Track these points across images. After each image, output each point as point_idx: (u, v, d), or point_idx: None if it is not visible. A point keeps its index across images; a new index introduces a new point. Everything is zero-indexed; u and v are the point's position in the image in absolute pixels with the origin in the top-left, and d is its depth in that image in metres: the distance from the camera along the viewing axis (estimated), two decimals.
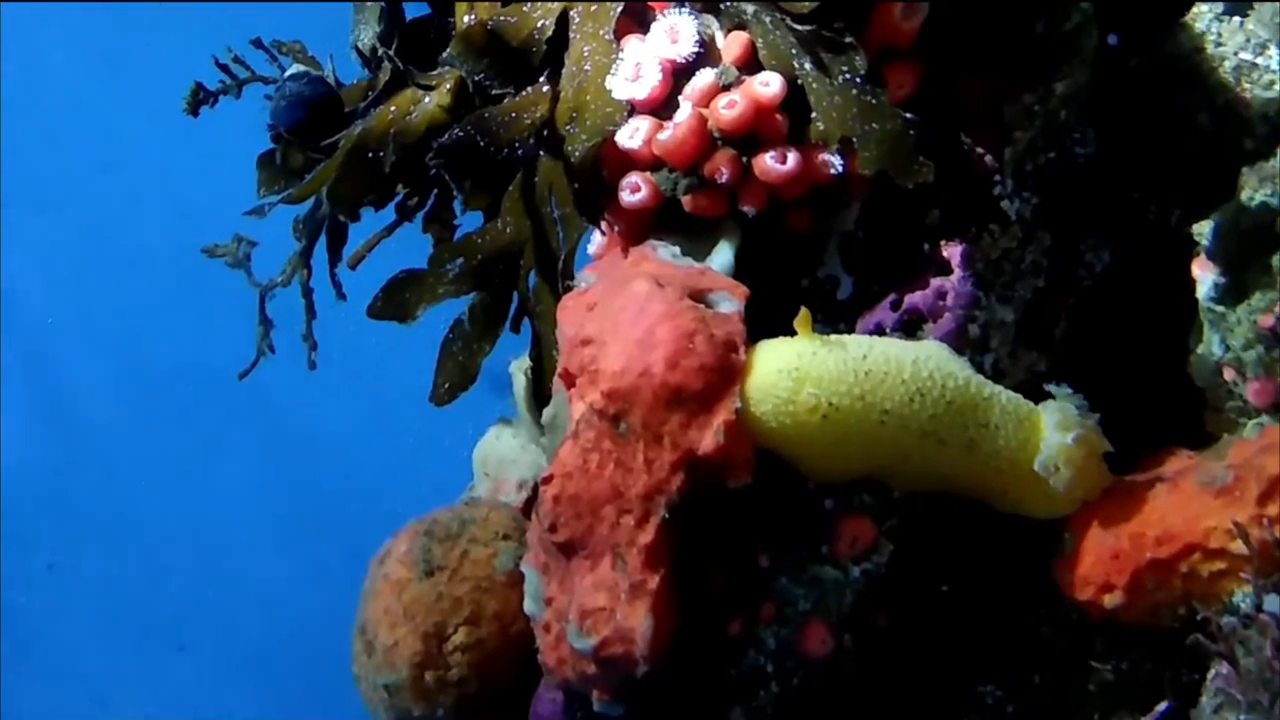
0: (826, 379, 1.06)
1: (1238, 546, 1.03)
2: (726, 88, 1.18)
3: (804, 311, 1.06)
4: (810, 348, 1.07)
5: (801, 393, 1.05)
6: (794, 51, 1.16)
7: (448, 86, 1.30)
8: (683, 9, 1.21)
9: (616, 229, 1.28)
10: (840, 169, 1.16)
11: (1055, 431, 1.07)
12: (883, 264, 1.22)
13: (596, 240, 1.37)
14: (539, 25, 1.25)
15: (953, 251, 1.20)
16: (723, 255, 1.22)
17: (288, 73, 1.39)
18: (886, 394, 1.06)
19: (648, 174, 1.21)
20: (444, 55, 1.26)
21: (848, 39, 1.14)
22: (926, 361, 1.07)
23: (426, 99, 1.30)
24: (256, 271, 1.43)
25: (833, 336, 1.08)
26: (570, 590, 1.11)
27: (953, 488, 1.11)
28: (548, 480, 1.10)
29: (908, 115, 1.14)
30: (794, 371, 1.06)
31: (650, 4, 1.24)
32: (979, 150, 1.22)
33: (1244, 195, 1.16)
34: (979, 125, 1.22)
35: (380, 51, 1.36)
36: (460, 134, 1.23)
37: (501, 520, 1.35)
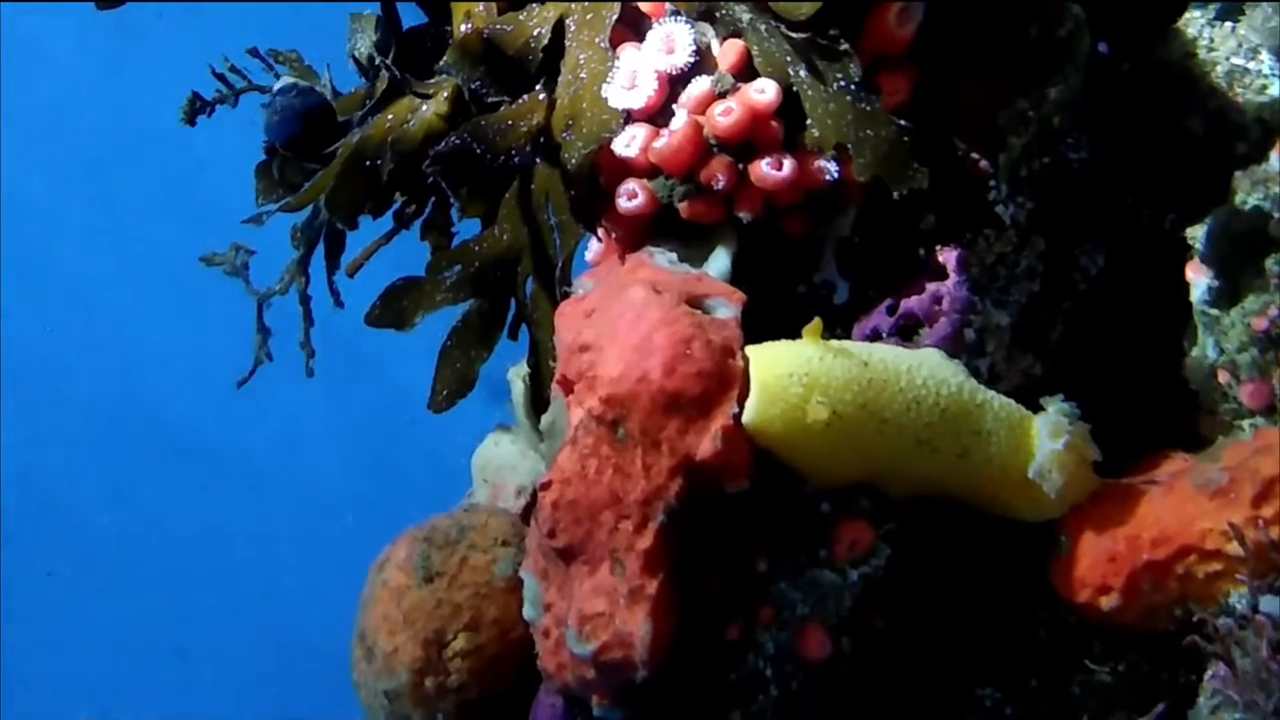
0: (834, 386, 1.06)
1: (1233, 548, 1.03)
2: (722, 95, 1.18)
3: (816, 321, 1.07)
4: (818, 353, 1.07)
5: (812, 399, 1.06)
6: (789, 59, 1.17)
7: (445, 95, 1.31)
8: (678, 17, 1.22)
9: (613, 236, 1.29)
10: (835, 175, 1.17)
11: (1047, 439, 1.08)
12: (879, 269, 1.23)
13: (594, 247, 1.37)
14: (535, 33, 1.25)
15: (948, 256, 1.20)
16: (719, 261, 1.22)
17: (277, 86, 1.39)
18: (886, 402, 1.06)
19: (644, 181, 1.21)
20: (441, 64, 1.27)
21: (843, 46, 1.14)
22: (920, 369, 1.08)
23: (424, 107, 1.31)
24: (254, 280, 1.43)
25: (834, 343, 1.09)
26: (569, 596, 1.11)
27: (945, 493, 1.12)
28: (546, 486, 1.10)
29: (902, 122, 1.14)
30: (805, 377, 1.06)
31: (646, 12, 1.25)
32: (974, 155, 1.22)
33: (1237, 199, 1.17)
34: (973, 131, 1.23)
35: (377, 60, 1.36)
36: (457, 141, 1.23)
37: (500, 526, 1.35)
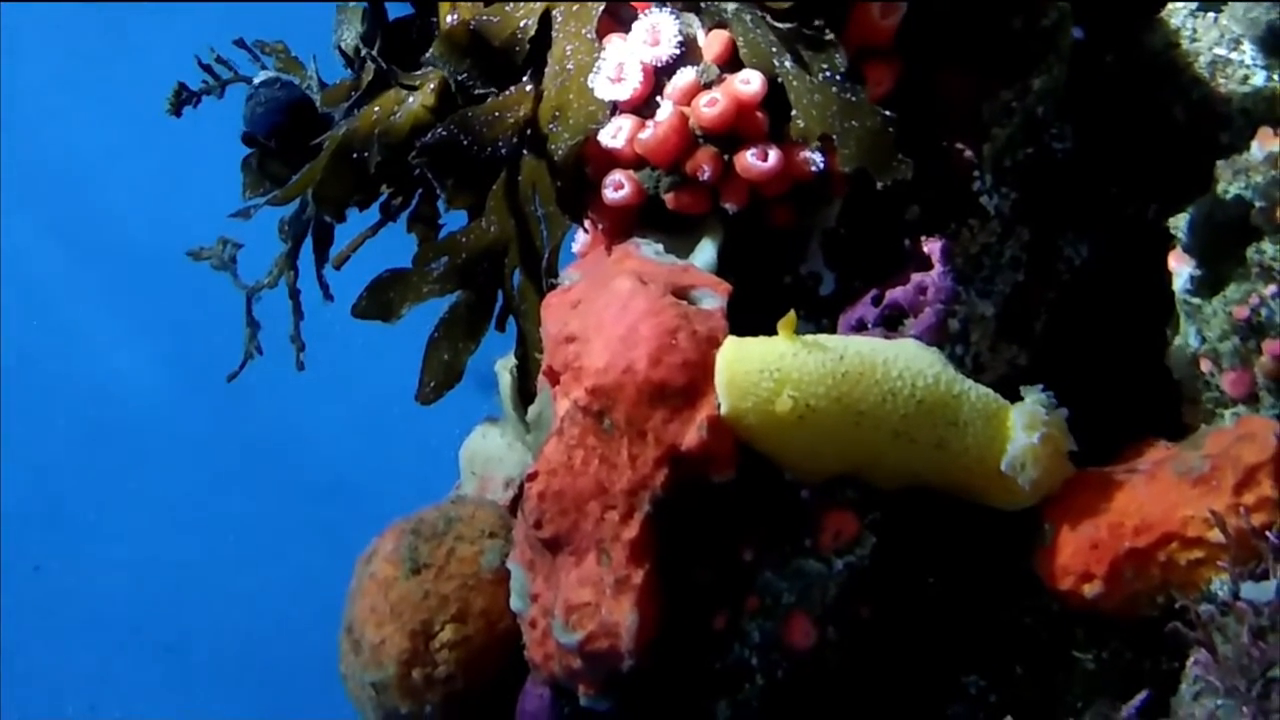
0: (806, 380, 1.06)
1: (1215, 535, 1.04)
2: (708, 86, 1.19)
3: (790, 315, 1.07)
4: (791, 348, 1.07)
5: (782, 393, 1.06)
6: (774, 49, 1.17)
7: (431, 86, 1.31)
8: (664, 8, 1.22)
9: (600, 227, 1.29)
10: (821, 166, 1.17)
11: (1022, 431, 1.08)
12: (864, 260, 1.23)
13: (580, 238, 1.37)
14: (521, 25, 1.25)
15: (933, 247, 1.20)
16: (705, 252, 1.23)
17: (257, 80, 1.39)
18: (861, 395, 1.07)
19: (631, 172, 1.22)
20: (427, 55, 1.27)
21: (828, 36, 1.15)
22: (896, 360, 1.08)
23: (410, 99, 1.31)
24: (242, 274, 1.43)
25: (809, 337, 1.09)
26: (556, 586, 1.11)
27: (924, 483, 1.12)
28: (533, 477, 1.11)
29: (886, 113, 1.15)
30: (775, 372, 1.07)
31: (632, 3, 1.25)
32: (958, 146, 1.23)
33: (1219, 188, 1.17)
34: (958, 121, 1.23)
35: (363, 52, 1.36)
36: (443, 133, 1.23)
37: (488, 518, 1.36)
